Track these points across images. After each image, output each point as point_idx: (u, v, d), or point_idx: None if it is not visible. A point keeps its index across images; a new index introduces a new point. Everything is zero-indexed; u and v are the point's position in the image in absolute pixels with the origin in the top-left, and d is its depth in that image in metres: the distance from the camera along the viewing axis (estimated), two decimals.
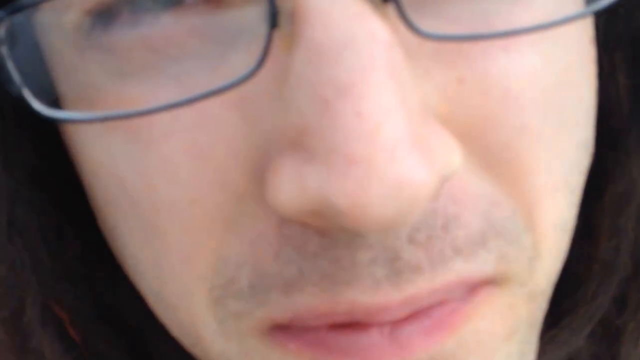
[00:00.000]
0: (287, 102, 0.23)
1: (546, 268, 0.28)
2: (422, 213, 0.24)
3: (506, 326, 0.27)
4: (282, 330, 0.27)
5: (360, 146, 0.22)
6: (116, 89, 0.25)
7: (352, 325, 0.26)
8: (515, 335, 0.28)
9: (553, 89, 0.26)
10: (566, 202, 0.28)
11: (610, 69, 0.34)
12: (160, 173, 0.25)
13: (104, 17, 0.25)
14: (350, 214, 0.22)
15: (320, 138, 0.23)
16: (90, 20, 0.25)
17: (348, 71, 0.22)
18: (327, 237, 0.25)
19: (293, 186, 0.23)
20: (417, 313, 0.26)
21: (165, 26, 0.25)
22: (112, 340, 0.35)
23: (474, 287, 0.27)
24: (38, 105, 0.25)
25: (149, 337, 0.35)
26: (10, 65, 0.25)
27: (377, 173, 0.22)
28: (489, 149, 0.25)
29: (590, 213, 0.35)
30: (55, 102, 0.27)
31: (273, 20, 0.23)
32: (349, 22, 0.23)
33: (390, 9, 0.23)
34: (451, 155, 0.24)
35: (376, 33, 0.23)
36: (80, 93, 0.27)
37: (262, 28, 0.24)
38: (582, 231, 0.35)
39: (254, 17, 0.24)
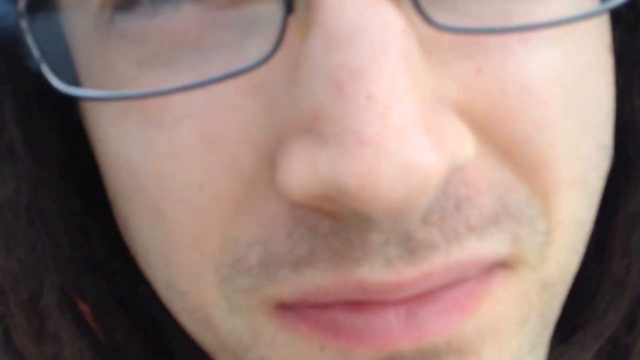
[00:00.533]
0: (301, 87, 0.24)
1: (559, 259, 0.28)
2: (429, 202, 0.24)
3: (519, 312, 0.28)
4: (291, 310, 0.27)
5: (371, 128, 0.22)
6: (134, 75, 0.26)
7: (366, 304, 0.26)
8: (527, 323, 0.28)
9: (572, 85, 0.26)
10: (583, 200, 0.28)
11: (626, 89, 0.34)
12: (170, 157, 0.26)
13: (125, 5, 0.25)
14: (360, 196, 0.23)
15: (332, 121, 0.23)
16: (112, 8, 0.26)
17: (361, 55, 0.23)
18: (338, 221, 0.25)
19: (304, 170, 0.24)
20: (432, 292, 0.26)
21: (185, 16, 0.25)
22: (130, 332, 0.35)
23: (488, 269, 0.27)
24: (56, 82, 0.25)
25: (167, 331, 0.35)
26: (30, 40, 0.25)
27: (386, 154, 0.22)
28: (507, 140, 0.26)
29: (604, 231, 0.36)
30: (75, 82, 0.28)
31: (289, 5, 0.24)
32: (364, 9, 0.23)
33: (406, 1, 0.24)
34: (463, 145, 0.25)
35: (390, 20, 0.23)
36: (99, 76, 0.27)
37: (278, 16, 0.24)
38: (595, 248, 0.35)
39: (270, 6, 0.25)
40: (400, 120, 0.22)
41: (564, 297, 0.30)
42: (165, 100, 0.25)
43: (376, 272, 0.25)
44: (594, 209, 0.29)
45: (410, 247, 0.25)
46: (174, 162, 0.26)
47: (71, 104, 0.32)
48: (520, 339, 0.28)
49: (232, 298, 0.27)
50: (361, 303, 0.26)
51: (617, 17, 0.32)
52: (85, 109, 0.29)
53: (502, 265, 0.27)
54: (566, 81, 0.26)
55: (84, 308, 0.33)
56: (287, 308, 0.27)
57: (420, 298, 0.26)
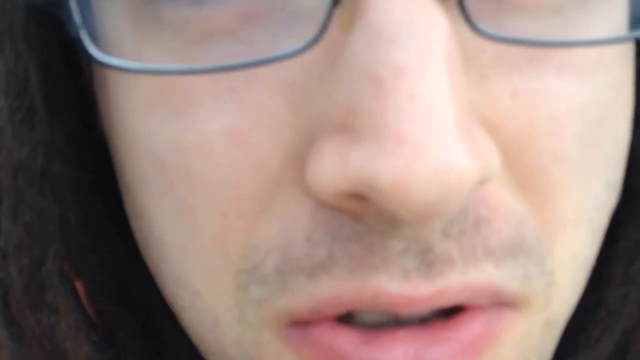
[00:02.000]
0: (338, 83, 0.24)
1: (563, 297, 0.28)
2: (456, 210, 0.24)
3: (520, 354, 0.27)
4: (301, 329, 0.27)
5: (412, 127, 0.22)
6: (168, 60, 0.26)
7: (378, 334, 0.26)
8: None
9: (596, 123, 0.27)
10: (588, 239, 0.28)
11: (635, 119, 0.35)
12: (198, 154, 0.26)
13: None
14: (393, 194, 0.23)
15: (370, 117, 0.23)
16: None
17: (406, 53, 0.23)
18: (361, 224, 0.25)
19: (336, 165, 0.24)
20: (445, 323, 0.26)
21: (229, 6, 0.25)
22: (125, 320, 0.34)
23: (500, 310, 0.27)
24: (94, 50, 0.25)
25: (159, 321, 0.35)
26: (73, 4, 0.25)
27: (425, 154, 0.22)
28: (525, 168, 0.26)
29: (603, 259, 0.36)
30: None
31: None
32: (412, 7, 0.23)
33: (453, 3, 0.24)
34: (492, 157, 0.25)
35: (437, 21, 0.23)
36: (131, 57, 0.27)
37: (321, 9, 0.24)
38: (593, 275, 0.36)
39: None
40: (441, 122, 0.23)
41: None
42: (195, 95, 0.25)
43: (393, 283, 0.25)
44: (598, 244, 0.30)
45: (428, 260, 0.25)
46: (202, 159, 0.26)
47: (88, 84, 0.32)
48: None
49: (246, 308, 0.27)
50: (372, 332, 0.26)
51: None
52: (107, 93, 0.29)
53: (510, 305, 0.27)
54: (591, 117, 0.26)
55: (78, 284, 0.33)
56: (295, 327, 0.27)
57: (429, 336, 0.26)
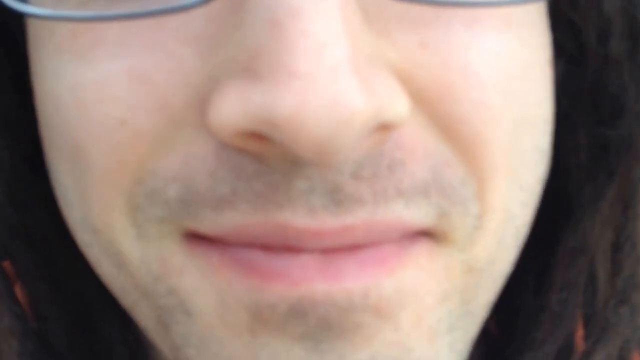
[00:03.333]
0: (242, 29, 0.25)
1: (487, 245, 0.29)
2: (366, 152, 0.26)
3: (441, 287, 0.28)
4: (207, 242, 0.27)
5: (304, 62, 0.23)
6: (78, 5, 0.27)
7: (284, 248, 0.26)
8: (447, 301, 0.28)
9: (512, 77, 0.28)
10: (517, 195, 0.29)
11: (571, 126, 0.36)
12: (94, 90, 0.26)
13: None
14: (287, 128, 0.24)
15: (268, 57, 0.24)
16: None
17: None
18: (264, 164, 0.25)
19: (235, 104, 0.24)
20: (352, 247, 0.26)
21: None
22: (56, 306, 0.35)
23: (413, 236, 0.27)
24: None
25: (95, 310, 0.36)
26: None
27: (316, 88, 0.23)
28: (446, 116, 0.27)
29: (544, 265, 0.37)
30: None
31: None
32: None
33: None
34: (395, 100, 0.25)
35: None
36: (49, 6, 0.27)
37: None
38: (536, 281, 0.37)
39: None
40: (333, 58, 0.24)
41: (491, 298, 0.31)
42: (100, 37, 0.26)
43: (298, 218, 0.26)
44: (529, 212, 0.30)
45: (336, 199, 0.26)
46: (97, 95, 0.26)
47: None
48: (439, 314, 0.28)
49: (143, 225, 0.27)
50: (279, 247, 0.26)
51: (561, 48, 0.34)
52: (31, 47, 0.30)
53: (427, 234, 0.28)
54: (506, 71, 0.27)
55: (11, 273, 0.34)
56: (201, 239, 0.27)
57: (339, 249, 0.26)
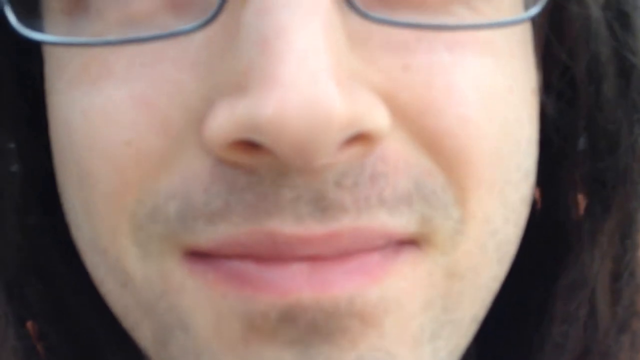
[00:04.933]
0: (235, 52, 0.27)
1: (468, 251, 0.29)
2: (349, 162, 0.27)
3: (423, 293, 0.29)
4: (203, 258, 0.28)
5: (287, 69, 0.25)
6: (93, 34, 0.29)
7: (274, 258, 0.28)
8: (430, 307, 0.29)
9: (495, 98, 0.29)
10: (499, 210, 0.30)
11: (568, 162, 0.37)
12: (101, 116, 0.28)
13: None
14: (269, 128, 0.25)
15: (256, 72, 0.26)
16: None
17: (290, 16, 0.26)
18: (254, 176, 0.27)
19: (225, 116, 0.26)
20: (338, 256, 0.27)
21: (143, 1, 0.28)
22: (65, 338, 0.36)
23: (397, 245, 0.28)
24: (17, 23, 0.28)
25: (101, 342, 0.37)
26: None
27: (296, 91, 0.25)
28: (430, 131, 0.28)
29: (545, 297, 0.38)
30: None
31: None
32: None
33: None
34: (375, 112, 0.27)
35: None
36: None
37: None
38: (538, 313, 0.38)
39: None
40: (314, 66, 0.25)
41: (477, 311, 0.31)
42: (109, 69, 0.28)
43: (286, 226, 0.27)
44: (513, 230, 0.31)
45: (321, 206, 0.27)
46: (104, 119, 0.28)
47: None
48: (422, 320, 0.29)
49: (145, 244, 0.29)
50: (270, 258, 0.28)
51: (549, 85, 0.36)
52: (47, 82, 0.32)
53: (411, 242, 0.29)
54: (488, 90, 0.29)
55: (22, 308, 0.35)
56: (199, 256, 0.28)
57: (326, 258, 0.27)
